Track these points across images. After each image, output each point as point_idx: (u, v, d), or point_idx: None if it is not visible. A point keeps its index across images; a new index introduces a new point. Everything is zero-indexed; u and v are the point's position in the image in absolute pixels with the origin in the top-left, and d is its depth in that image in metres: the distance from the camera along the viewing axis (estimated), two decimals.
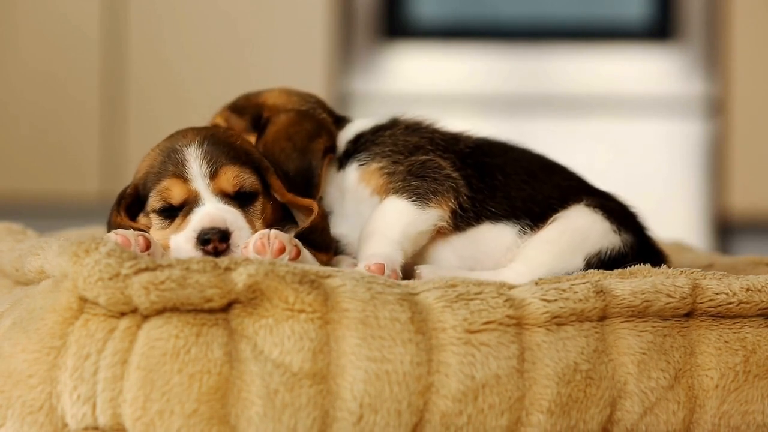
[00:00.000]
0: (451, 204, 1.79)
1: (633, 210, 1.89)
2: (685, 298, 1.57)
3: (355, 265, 1.74)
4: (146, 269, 1.44)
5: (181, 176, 1.69)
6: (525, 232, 1.80)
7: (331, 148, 1.85)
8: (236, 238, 1.65)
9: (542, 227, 1.80)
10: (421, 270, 1.75)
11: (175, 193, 1.69)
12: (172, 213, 1.70)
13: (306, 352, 1.43)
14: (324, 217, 1.78)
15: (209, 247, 1.63)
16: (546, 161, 1.91)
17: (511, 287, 1.56)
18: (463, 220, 1.80)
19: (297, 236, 1.68)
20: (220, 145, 1.72)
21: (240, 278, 1.45)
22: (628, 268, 1.70)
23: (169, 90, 4.13)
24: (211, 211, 1.66)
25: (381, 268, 1.68)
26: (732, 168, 4.06)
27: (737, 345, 1.57)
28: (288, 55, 4.11)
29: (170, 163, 1.70)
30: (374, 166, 1.82)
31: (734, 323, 1.59)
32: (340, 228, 1.84)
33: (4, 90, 4.15)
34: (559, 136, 4.12)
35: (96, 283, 1.43)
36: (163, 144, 1.74)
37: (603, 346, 1.52)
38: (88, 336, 1.44)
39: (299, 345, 1.43)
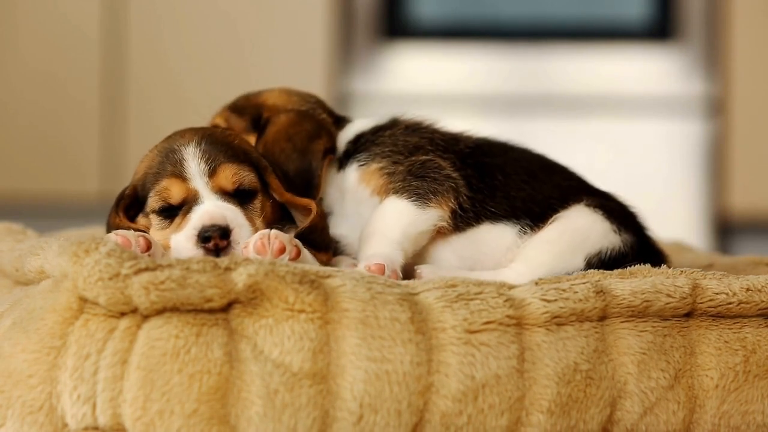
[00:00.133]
0: (451, 204, 1.79)
1: (633, 210, 1.89)
2: (685, 298, 1.57)
3: (355, 265, 1.74)
4: (146, 269, 1.44)
5: (180, 175, 1.69)
6: (525, 232, 1.80)
7: (331, 149, 1.85)
8: (237, 235, 1.65)
9: (542, 227, 1.80)
10: (422, 270, 1.75)
11: (174, 192, 1.69)
12: (172, 213, 1.70)
13: (306, 352, 1.43)
14: (323, 216, 1.78)
15: (210, 245, 1.63)
16: (546, 161, 1.91)
17: (511, 287, 1.56)
18: (463, 220, 1.80)
19: (297, 236, 1.69)
20: (218, 144, 1.72)
21: (240, 278, 1.45)
22: (628, 268, 1.70)
23: (169, 90, 4.13)
24: (211, 208, 1.66)
25: (381, 269, 1.68)
26: (732, 168, 4.06)
27: (737, 345, 1.57)
28: (288, 55, 4.11)
29: (168, 163, 1.70)
30: (374, 166, 1.82)
31: (734, 323, 1.59)
32: (340, 228, 1.84)
33: (4, 90, 4.15)
34: (559, 136, 4.12)
35: (96, 283, 1.43)
36: (161, 145, 1.74)
37: (603, 346, 1.52)
38: (88, 336, 1.44)
39: (299, 345, 1.43)
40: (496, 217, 1.81)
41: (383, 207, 1.78)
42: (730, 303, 1.59)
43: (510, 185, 1.83)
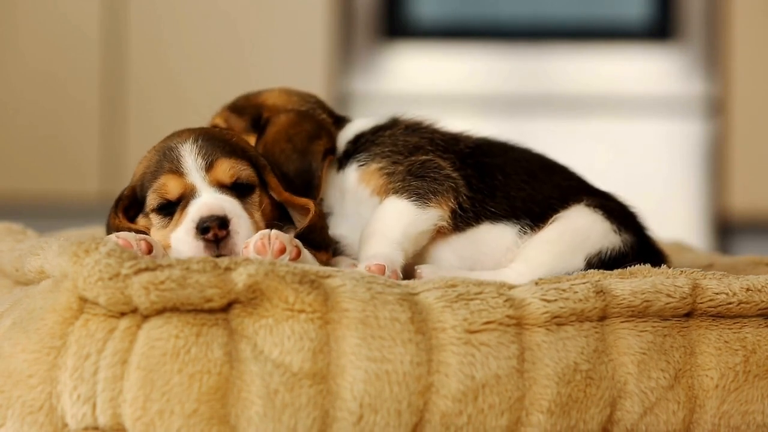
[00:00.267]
0: (450, 204, 1.79)
1: (633, 210, 1.89)
2: (685, 298, 1.57)
3: (355, 265, 1.74)
4: (146, 269, 1.44)
5: (177, 171, 1.69)
6: (525, 232, 1.80)
7: (332, 149, 1.85)
8: (235, 225, 1.64)
9: (542, 227, 1.80)
10: (422, 270, 1.75)
11: (171, 187, 1.69)
12: (171, 210, 1.70)
13: (306, 352, 1.43)
14: (322, 216, 1.78)
15: (209, 235, 1.63)
16: (546, 161, 1.91)
17: (511, 287, 1.55)
18: (462, 220, 1.80)
19: (296, 236, 1.68)
20: (215, 140, 1.72)
21: (240, 278, 1.45)
22: (628, 268, 1.70)
23: (169, 90, 4.13)
24: (208, 200, 1.66)
25: (381, 269, 1.67)
26: (732, 168, 4.06)
27: (737, 345, 1.57)
28: (288, 55, 4.11)
29: (165, 161, 1.70)
30: (374, 166, 1.82)
31: (734, 323, 1.59)
32: (340, 229, 1.84)
33: (4, 90, 4.15)
34: (559, 136, 4.12)
35: (96, 283, 1.43)
36: (158, 145, 1.75)
37: (603, 346, 1.52)
38: (88, 336, 1.44)
39: (299, 345, 1.43)
40: (496, 217, 1.81)
41: (383, 207, 1.78)
42: (730, 303, 1.59)
43: (510, 185, 1.83)
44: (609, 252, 1.78)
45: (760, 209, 4.07)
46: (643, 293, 1.55)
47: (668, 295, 1.56)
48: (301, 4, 4.12)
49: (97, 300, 1.44)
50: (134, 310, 1.44)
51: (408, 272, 1.76)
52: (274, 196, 1.75)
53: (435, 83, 4.22)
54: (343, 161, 1.85)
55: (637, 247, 1.81)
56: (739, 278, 1.62)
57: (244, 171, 1.71)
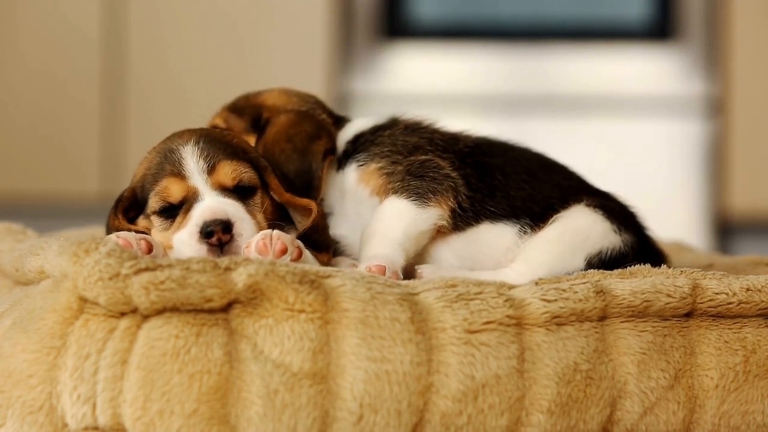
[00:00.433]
0: (450, 203, 1.79)
1: (633, 210, 1.89)
2: (685, 298, 1.57)
3: (355, 266, 1.74)
4: (146, 269, 1.44)
5: (179, 174, 1.69)
6: (525, 232, 1.80)
7: (332, 149, 1.85)
8: (239, 228, 1.65)
9: (542, 227, 1.80)
10: (422, 270, 1.75)
11: (174, 191, 1.69)
12: (173, 213, 1.70)
13: (306, 352, 1.43)
14: (323, 216, 1.77)
15: (213, 239, 1.63)
16: (546, 161, 1.91)
17: (511, 287, 1.55)
18: (462, 219, 1.80)
19: (298, 237, 1.68)
20: (216, 142, 1.72)
21: (240, 278, 1.45)
22: (628, 268, 1.70)
23: (169, 90, 4.13)
24: (212, 203, 1.66)
25: (382, 270, 1.67)
26: (732, 168, 4.06)
27: (737, 345, 1.57)
28: (288, 55, 4.11)
29: (167, 163, 1.70)
30: (373, 166, 1.82)
31: (734, 323, 1.59)
32: (341, 229, 1.83)
33: (4, 90, 4.15)
34: (559, 136, 4.12)
35: (96, 283, 1.43)
36: (159, 146, 1.75)
37: (603, 346, 1.52)
38: (88, 336, 1.44)
39: (299, 345, 1.43)
40: (495, 216, 1.81)
41: (383, 207, 1.78)
42: (730, 303, 1.59)
43: (510, 185, 1.83)
44: (609, 252, 1.78)
45: (760, 209, 4.07)
46: (643, 293, 1.55)
47: (668, 295, 1.56)
48: (301, 4, 4.12)
49: (97, 300, 1.44)
50: (134, 310, 1.44)
51: (408, 272, 1.76)
52: (276, 197, 1.75)
53: (435, 83, 4.22)
54: (342, 161, 1.85)
55: (637, 247, 1.81)
56: (739, 278, 1.62)
57: (245, 173, 1.71)
